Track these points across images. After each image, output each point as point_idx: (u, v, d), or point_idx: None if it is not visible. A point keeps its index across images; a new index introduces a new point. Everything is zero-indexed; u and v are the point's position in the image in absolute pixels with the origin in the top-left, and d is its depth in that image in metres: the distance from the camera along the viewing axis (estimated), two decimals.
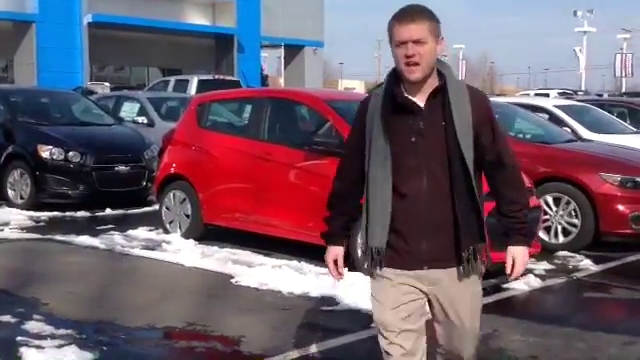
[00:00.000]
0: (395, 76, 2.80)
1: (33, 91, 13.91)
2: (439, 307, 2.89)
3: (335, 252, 3.03)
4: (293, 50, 42.15)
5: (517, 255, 2.88)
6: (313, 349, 4.63)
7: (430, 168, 2.75)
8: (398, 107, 2.76)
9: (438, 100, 2.75)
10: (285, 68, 43.57)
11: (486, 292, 5.94)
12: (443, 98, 2.74)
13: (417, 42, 2.68)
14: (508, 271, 2.90)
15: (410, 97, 2.76)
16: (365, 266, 2.93)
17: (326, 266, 3.09)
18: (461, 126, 2.71)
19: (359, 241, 5.80)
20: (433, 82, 2.77)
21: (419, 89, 2.76)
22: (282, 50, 43.49)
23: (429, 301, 2.90)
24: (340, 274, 3.05)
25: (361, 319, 5.14)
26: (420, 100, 2.76)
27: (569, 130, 10.07)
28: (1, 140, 10.40)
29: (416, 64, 2.68)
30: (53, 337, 4.72)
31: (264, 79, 41.04)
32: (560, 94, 28.50)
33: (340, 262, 3.03)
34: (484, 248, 2.86)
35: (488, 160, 2.82)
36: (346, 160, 3.00)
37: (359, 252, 6.03)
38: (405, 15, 2.71)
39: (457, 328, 2.91)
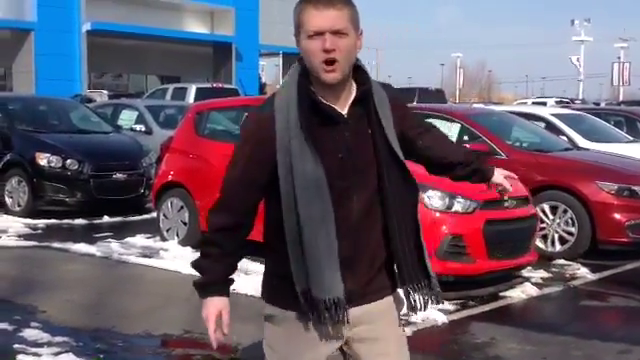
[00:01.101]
0: (306, 77, 2.19)
1: (31, 99, 13.96)
2: (360, 351, 2.32)
3: (219, 305, 2.31)
4: (291, 58, 42.16)
5: (499, 174, 2.54)
6: None
7: (360, 189, 2.21)
8: (320, 116, 2.18)
9: (360, 106, 2.23)
10: (283, 76, 43.54)
11: (483, 300, 6.00)
12: (367, 104, 2.23)
13: (337, 33, 2.10)
14: (509, 188, 2.55)
15: (329, 104, 2.19)
16: (309, 320, 2.25)
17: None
18: (391, 133, 2.24)
19: None
20: (351, 85, 2.23)
21: (336, 93, 2.19)
22: (280, 58, 43.58)
23: (342, 349, 2.35)
24: (225, 334, 2.33)
25: None
26: (340, 107, 2.21)
27: (566, 139, 10.11)
28: None
29: (334, 61, 2.11)
30: (50, 345, 4.72)
31: (262, 87, 41.09)
32: (557, 103, 28.59)
33: (225, 318, 2.32)
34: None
35: (425, 147, 2.42)
36: (235, 188, 2.28)
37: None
38: None
39: None
